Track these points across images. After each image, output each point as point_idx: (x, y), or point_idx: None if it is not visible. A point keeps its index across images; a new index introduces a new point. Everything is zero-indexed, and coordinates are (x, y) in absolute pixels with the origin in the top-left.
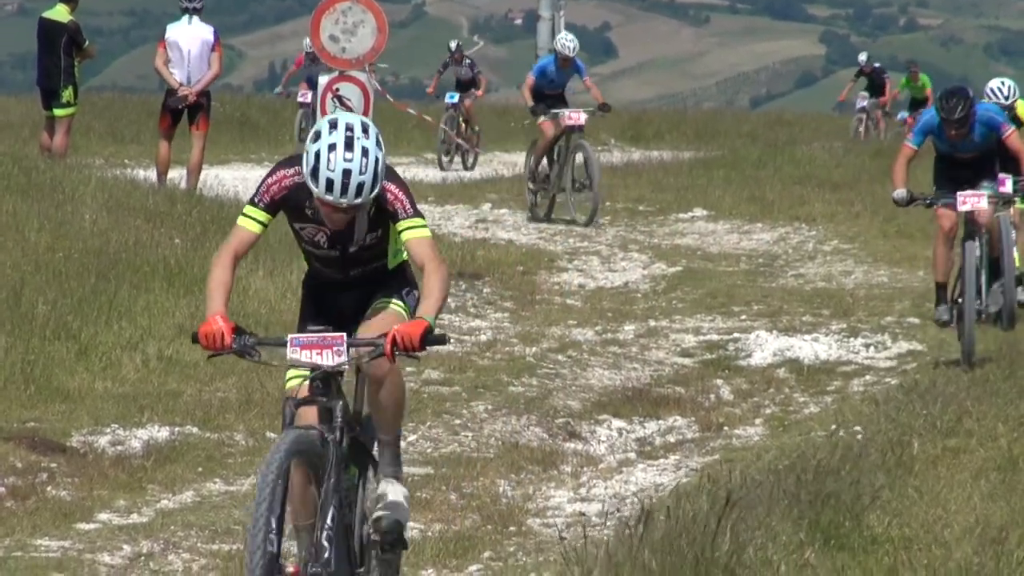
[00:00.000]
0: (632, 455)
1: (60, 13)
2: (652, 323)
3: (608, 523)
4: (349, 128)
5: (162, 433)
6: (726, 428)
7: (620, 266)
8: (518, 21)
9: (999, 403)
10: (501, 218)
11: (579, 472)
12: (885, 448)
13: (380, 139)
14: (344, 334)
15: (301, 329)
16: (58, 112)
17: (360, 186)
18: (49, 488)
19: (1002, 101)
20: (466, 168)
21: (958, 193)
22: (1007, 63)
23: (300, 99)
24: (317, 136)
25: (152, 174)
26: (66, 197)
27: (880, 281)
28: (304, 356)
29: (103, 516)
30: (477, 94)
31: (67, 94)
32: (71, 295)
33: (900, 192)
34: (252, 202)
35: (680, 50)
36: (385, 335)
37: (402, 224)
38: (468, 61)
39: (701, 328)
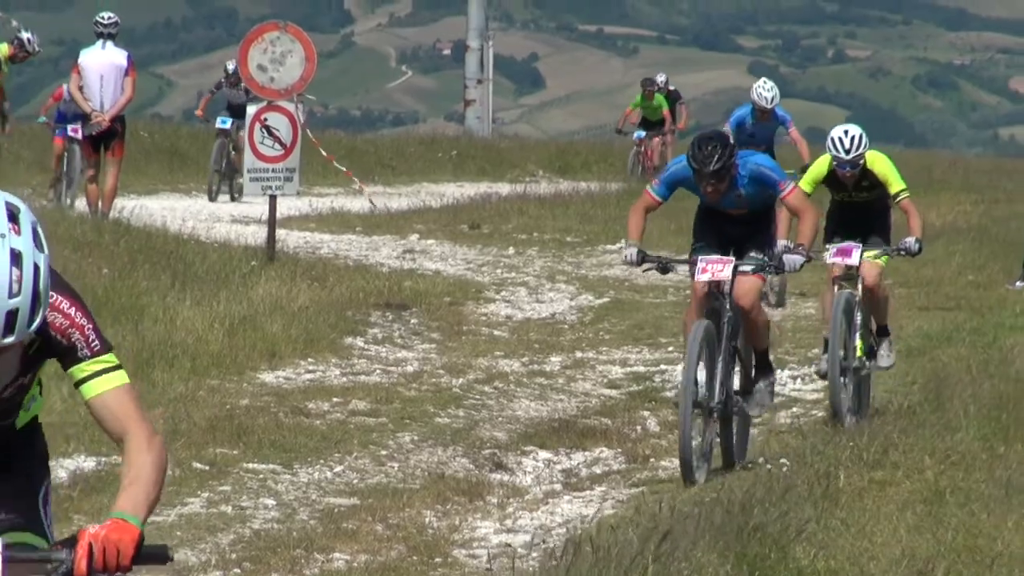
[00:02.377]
0: (558, 486)
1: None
2: (579, 354)
3: (534, 554)
4: None
5: (88, 463)
6: (652, 460)
7: (547, 297)
8: (446, 51)
9: (926, 435)
10: (428, 248)
11: (505, 503)
12: (811, 480)
13: (39, 231)
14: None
15: None
16: None
17: (11, 316)
18: None
19: (842, 155)
20: (232, 199)
21: (700, 258)
22: (935, 95)
23: (71, 132)
24: None
25: (81, 203)
26: None
27: (807, 313)
28: None
29: None
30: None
31: None
32: None
33: (630, 251)
34: None
35: (608, 81)
36: (70, 542)
37: (84, 368)
38: (244, 85)
39: (628, 360)
